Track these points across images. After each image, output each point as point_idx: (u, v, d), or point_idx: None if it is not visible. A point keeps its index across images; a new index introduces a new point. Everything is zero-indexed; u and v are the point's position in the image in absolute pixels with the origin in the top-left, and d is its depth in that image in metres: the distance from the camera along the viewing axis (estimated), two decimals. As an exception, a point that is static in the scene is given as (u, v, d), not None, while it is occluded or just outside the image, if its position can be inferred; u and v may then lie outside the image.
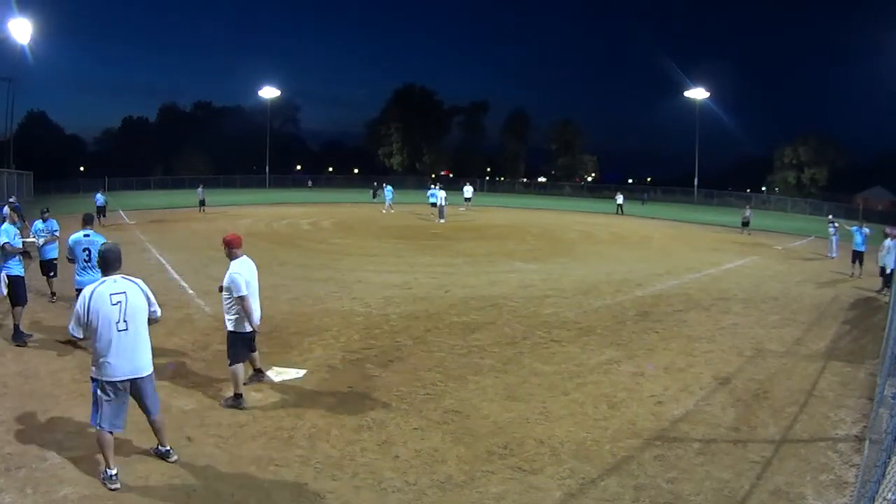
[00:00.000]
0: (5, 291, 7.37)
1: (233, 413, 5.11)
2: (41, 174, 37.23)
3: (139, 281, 4.09)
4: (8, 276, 7.29)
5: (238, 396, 5.28)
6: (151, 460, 4.24)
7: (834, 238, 17.81)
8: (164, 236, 17.81)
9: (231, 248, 5.32)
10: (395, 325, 8.22)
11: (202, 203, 27.31)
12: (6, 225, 7.38)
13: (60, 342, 6.84)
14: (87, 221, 7.46)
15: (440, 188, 26.43)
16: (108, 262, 4.01)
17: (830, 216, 19.89)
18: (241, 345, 5.36)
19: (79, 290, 7.04)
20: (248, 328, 5.32)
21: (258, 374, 5.87)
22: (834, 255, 17.39)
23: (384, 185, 33.42)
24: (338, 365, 6.49)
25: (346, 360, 6.63)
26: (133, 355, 3.93)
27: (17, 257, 7.26)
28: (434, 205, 25.64)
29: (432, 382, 6.03)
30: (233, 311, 5.25)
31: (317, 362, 6.54)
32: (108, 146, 67.20)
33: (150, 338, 4.14)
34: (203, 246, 15.29)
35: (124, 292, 3.92)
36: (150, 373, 4.08)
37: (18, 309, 7.12)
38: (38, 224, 9.42)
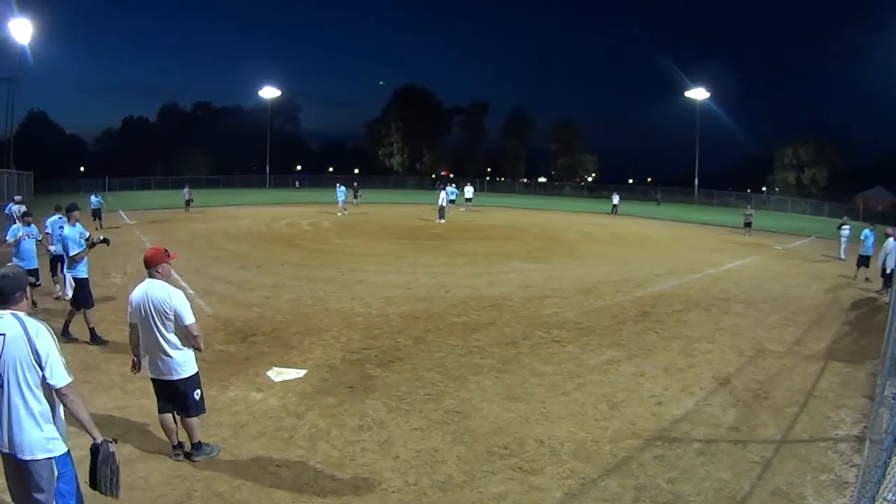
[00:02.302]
0: (70, 293, 7.33)
1: (233, 413, 5.11)
2: (41, 174, 37.22)
3: (39, 327, 2.76)
4: (74, 279, 7.31)
5: (198, 445, 4.32)
6: (152, 460, 4.24)
7: (844, 239, 17.76)
8: (164, 236, 17.80)
9: (146, 267, 4.16)
10: (396, 325, 8.22)
11: (188, 203, 27.72)
12: (69, 227, 7.36)
13: (64, 342, 6.84)
14: (58, 210, 9.29)
15: (447, 187, 26.61)
16: (2, 292, 2.80)
17: (845, 217, 20.34)
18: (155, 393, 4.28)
19: (55, 259, 8.74)
20: (150, 373, 4.21)
21: (177, 450, 4.31)
22: (842, 256, 17.35)
23: (338, 185, 30.38)
24: (338, 365, 6.49)
25: (346, 360, 6.63)
26: (5, 421, 2.70)
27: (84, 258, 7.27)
28: (453, 202, 25.63)
29: (432, 382, 6.03)
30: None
31: (317, 362, 6.54)
32: (108, 146, 67.33)
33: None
34: (204, 246, 15.27)
35: (3, 335, 2.70)
36: (37, 458, 2.71)
37: (88, 312, 7.07)
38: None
